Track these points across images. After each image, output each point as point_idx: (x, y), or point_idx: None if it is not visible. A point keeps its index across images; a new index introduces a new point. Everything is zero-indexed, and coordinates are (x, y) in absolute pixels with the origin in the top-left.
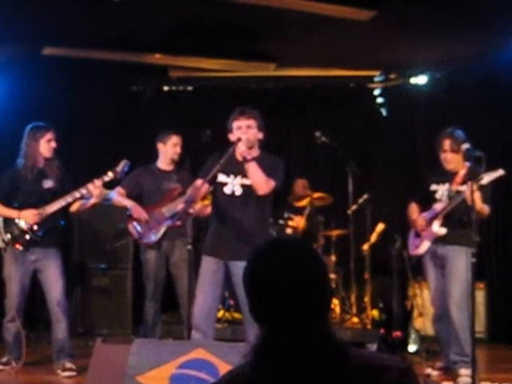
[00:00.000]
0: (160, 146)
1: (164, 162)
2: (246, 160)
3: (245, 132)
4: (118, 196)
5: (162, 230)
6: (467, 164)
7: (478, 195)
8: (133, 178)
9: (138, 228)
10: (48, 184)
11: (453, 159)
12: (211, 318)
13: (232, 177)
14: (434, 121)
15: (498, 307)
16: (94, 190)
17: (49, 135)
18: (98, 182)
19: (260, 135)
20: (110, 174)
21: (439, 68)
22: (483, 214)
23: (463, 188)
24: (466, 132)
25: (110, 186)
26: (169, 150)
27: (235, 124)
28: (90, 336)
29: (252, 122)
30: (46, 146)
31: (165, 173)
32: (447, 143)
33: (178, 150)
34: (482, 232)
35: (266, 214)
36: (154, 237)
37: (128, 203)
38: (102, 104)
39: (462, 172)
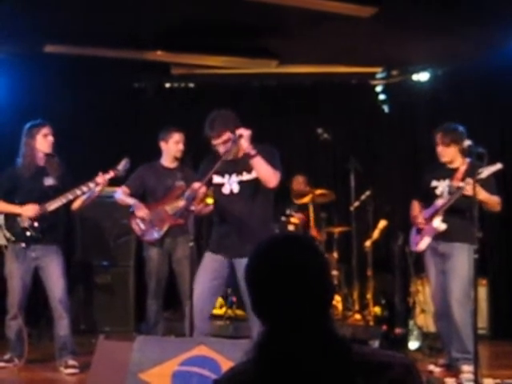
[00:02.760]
0: (162, 144)
1: (167, 160)
2: (250, 156)
3: (223, 148)
4: (122, 195)
5: (165, 227)
6: (468, 160)
7: (479, 189)
8: (137, 176)
9: (141, 225)
10: (49, 181)
11: (445, 152)
12: (205, 313)
13: (227, 176)
14: (436, 117)
15: (501, 303)
16: (103, 181)
17: (45, 130)
18: (106, 176)
19: (241, 132)
20: (112, 173)
21: (441, 65)
22: (493, 204)
23: (464, 184)
24: (467, 128)
25: (113, 184)
26: (171, 148)
27: (213, 142)
28: (92, 333)
29: (225, 136)
30: (43, 141)
31: (168, 170)
32: (438, 136)
33: (181, 147)
34: (484, 228)
35: (267, 208)
36: (156, 234)
37: (131, 201)
38: (103, 101)
39: (463, 168)
